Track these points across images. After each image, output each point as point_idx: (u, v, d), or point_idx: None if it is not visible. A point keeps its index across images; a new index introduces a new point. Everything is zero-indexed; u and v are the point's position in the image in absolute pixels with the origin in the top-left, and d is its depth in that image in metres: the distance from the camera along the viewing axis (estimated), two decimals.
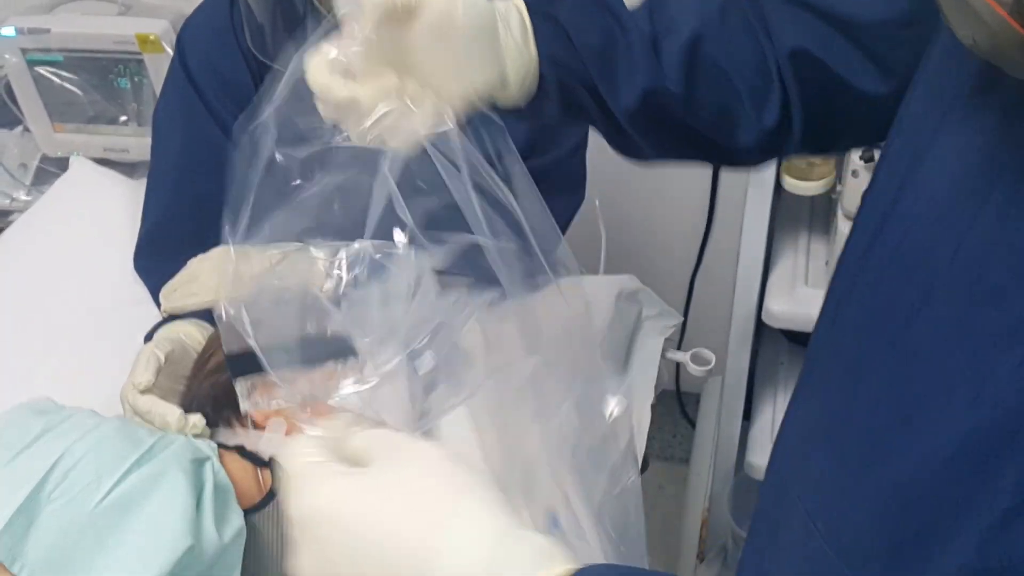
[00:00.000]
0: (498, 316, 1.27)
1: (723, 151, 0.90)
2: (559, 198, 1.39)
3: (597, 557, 1.09)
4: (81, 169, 1.69)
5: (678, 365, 1.41)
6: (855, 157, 1.57)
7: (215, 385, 1.12)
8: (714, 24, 0.84)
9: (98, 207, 1.60)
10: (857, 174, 1.58)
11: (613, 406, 1.24)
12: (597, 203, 1.61)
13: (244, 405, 1.06)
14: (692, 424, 1.99)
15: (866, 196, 0.72)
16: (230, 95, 1.30)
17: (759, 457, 1.81)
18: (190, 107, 1.32)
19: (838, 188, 1.67)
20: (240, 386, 1.06)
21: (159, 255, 1.37)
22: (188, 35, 1.36)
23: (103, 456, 0.88)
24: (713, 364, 1.35)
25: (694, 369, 1.36)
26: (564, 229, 1.48)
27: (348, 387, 1.06)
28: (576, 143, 1.46)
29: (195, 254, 1.26)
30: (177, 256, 1.28)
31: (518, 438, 1.16)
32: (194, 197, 1.33)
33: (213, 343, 1.19)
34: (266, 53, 1.25)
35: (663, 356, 1.39)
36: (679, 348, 1.48)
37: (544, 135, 1.41)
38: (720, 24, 0.84)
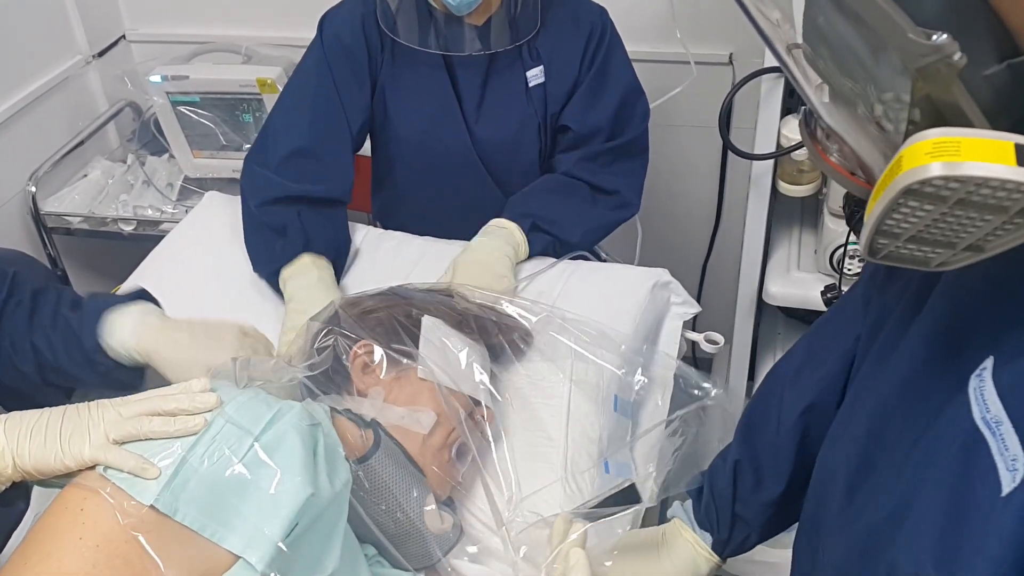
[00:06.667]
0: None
1: None
2: (639, 158, 1.58)
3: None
4: (212, 199, 1.66)
5: (693, 342, 1.39)
6: None
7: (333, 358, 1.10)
8: None
9: (223, 224, 1.57)
10: None
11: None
12: None
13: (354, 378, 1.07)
14: None
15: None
16: (346, 57, 1.48)
17: None
18: (319, 64, 1.49)
19: (824, 191, 1.63)
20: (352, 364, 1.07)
21: (263, 154, 1.49)
22: (327, 18, 1.52)
23: (241, 423, 0.87)
24: (721, 344, 1.33)
25: (706, 346, 1.33)
26: (643, 185, 1.59)
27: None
28: (643, 127, 1.56)
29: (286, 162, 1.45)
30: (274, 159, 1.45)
31: None
32: (302, 124, 1.49)
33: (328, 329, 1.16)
34: (390, 29, 1.44)
35: (682, 335, 1.38)
36: (693, 327, 1.46)
37: (620, 120, 1.52)
38: None
